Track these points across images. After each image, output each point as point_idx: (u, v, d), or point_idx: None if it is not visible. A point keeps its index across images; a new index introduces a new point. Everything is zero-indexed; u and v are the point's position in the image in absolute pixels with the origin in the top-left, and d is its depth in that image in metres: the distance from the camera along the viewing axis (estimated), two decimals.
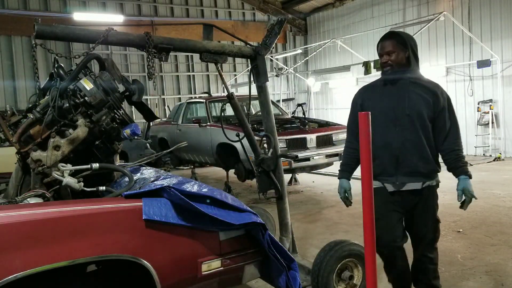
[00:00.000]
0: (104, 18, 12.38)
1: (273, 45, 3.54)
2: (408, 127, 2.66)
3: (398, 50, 2.68)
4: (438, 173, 2.79)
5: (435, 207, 2.81)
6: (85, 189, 2.38)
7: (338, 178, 2.93)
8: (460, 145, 2.69)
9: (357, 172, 2.07)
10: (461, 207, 2.67)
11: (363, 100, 2.86)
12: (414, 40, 2.76)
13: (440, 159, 2.80)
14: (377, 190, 2.62)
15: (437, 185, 2.81)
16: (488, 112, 10.26)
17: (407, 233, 2.85)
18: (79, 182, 2.36)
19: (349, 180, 2.91)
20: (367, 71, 9.46)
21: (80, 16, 11.69)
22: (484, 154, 10.54)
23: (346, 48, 12.85)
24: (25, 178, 2.70)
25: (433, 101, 2.66)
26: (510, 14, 9.97)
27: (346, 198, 2.89)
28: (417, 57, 2.76)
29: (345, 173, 2.91)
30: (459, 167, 2.67)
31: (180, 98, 14.18)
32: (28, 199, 2.25)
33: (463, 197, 2.65)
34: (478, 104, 10.58)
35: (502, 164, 9.46)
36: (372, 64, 9.18)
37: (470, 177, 2.65)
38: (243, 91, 13.21)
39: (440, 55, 11.38)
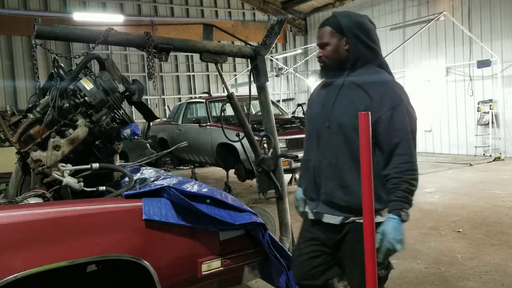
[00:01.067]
0: (104, 18, 12.37)
1: (273, 45, 3.54)
2: (328, 142, 2.01)
3: (334, 41, 2.00)
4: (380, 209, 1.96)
5: None
6: (85, 189, 2.38)
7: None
8: (406, 171, 1.86)
9: None
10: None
11: (308, 104, 2.34)
12: (361, 24, 2.00)
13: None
14: (302, 213, 2.24)
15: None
16: (488, 112, 10.26)
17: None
18: (79, 182, 2.36)
19: None
20: None
21: (80, 16, 11.69)
22: (484, 154, 10.54)
23: None
24: (25, 178, 2.70)
25: (366, 106, 1.89)
26: (510, 14, 9.97)
27: (297, 208, 2.32)
28: (370, 46, 2.01)
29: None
30: (391, 201, 1.88)
31: (180, 98, 14.18)
32: (28, 199, 2.25)
33: (382, 244, 1.85)
34: (478, 104, 10.58)
35: (502, 164, 9.46)
36: None
37: (402, 218, 1.83)
38: (243, 91, 13.20)
39: (440, 55, 11.37)
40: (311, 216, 2.14)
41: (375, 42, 2.03)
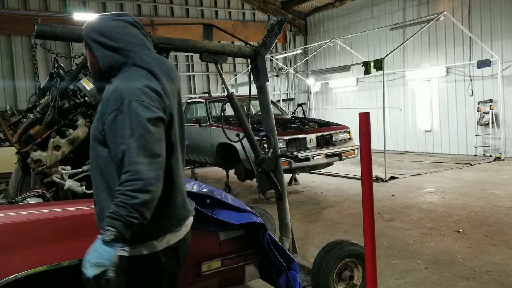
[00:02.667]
0: None
1: (273, 45, 3.54)
2: (91, 161, 1.76)
3: (86, 52, 1.80)
4: (143, 237, 1.64)
5: None
6: (87, 191, 2.38)
7: None
8: (126, 182, 1.50)
9: (357, 172, 2.06)
10: None
11: None
12: (95, 27, 1.74)
13: None
14: None
15: (136, 260, 1.63)
16: (488, 112, 10.26)
17: None
18: (81, 185, 2.36)
19: None
20: (367, 71, 9.45)
21: (80, 16, 11.69)
22: (484, 154, 10.54)
23: (346, 48, 12.85)
24: (25, 178, 2.70)
25: (100, 113, 1.65)
26: (510, 14, 9.97)
27: None
28: (113, 47, 1.72)
29: None
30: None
31: None
32: (28, 199, 2.25)
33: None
34: (478, 104, 10.58)
35: (502, 164, 9.46)
36: (372, 64, 9.18)
37: (104, 238, 1.49)
38: (243, 91, 13.20)
39: (440, 55, 11.37)
40: None
41: (118, 40, 1.72)
